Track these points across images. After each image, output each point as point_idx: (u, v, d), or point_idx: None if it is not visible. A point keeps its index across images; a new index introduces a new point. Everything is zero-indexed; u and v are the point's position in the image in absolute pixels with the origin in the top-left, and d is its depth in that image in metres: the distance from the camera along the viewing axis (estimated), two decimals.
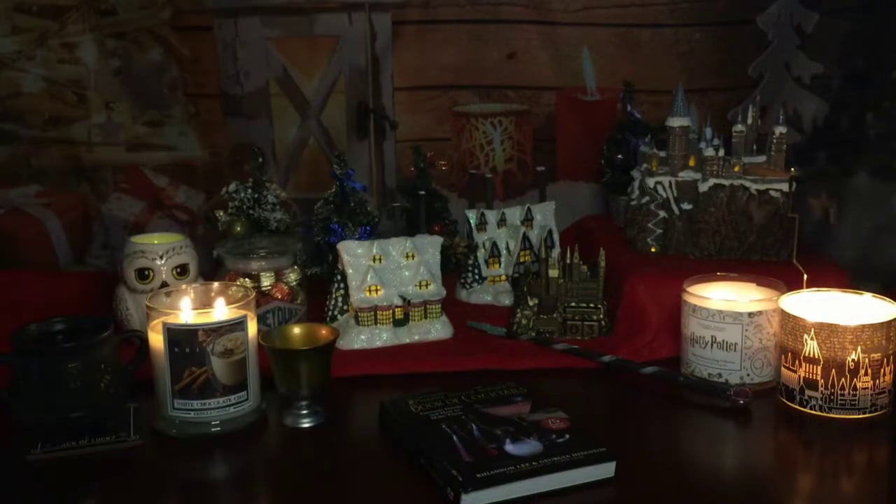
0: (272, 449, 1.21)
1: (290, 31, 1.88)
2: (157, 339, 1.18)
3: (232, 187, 1.64)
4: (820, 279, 1.38)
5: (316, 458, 1.17)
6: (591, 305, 1.50)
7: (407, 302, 1.48)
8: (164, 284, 1.40)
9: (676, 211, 1.60)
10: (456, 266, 1.67)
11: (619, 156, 1.82)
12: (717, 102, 1.97)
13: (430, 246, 1.52)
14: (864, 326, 1.20)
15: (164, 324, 1.17)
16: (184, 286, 1.31)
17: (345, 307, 1.50)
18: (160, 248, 1.42)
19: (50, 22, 1.80)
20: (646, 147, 1.66)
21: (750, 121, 1.63)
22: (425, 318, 1.49)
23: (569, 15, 1.92)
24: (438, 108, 1.95)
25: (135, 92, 1.85)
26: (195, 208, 1.91)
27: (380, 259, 1.48)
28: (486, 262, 1.70)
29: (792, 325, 1.24)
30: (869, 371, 1.20)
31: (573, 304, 1.50)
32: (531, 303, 1.51)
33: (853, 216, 1.89)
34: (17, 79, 1.81)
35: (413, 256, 1.50)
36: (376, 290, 1.46)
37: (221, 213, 1.64)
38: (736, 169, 1.57)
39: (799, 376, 1.23)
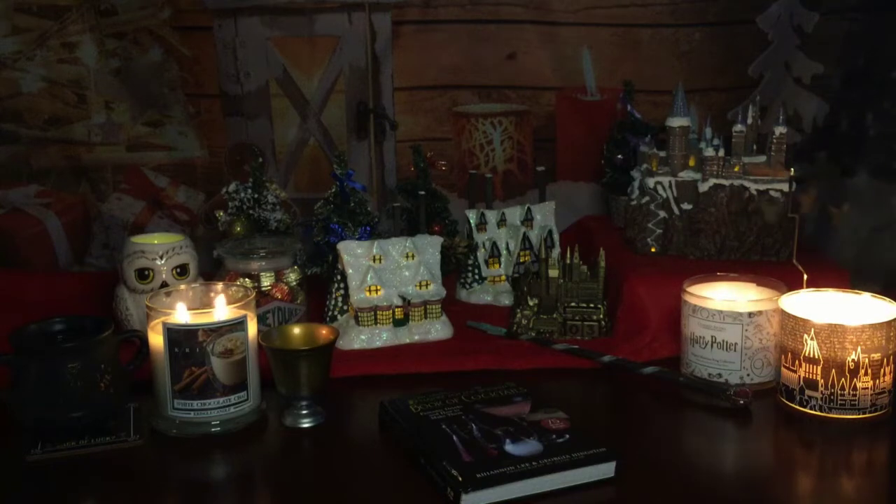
0: (272, 449, 1.21)
1: (290, 31, 1.88)
2: (157, 339, 1.18)
3: (232, 187, 1.64)
4: (820, 279, 1.38)
5: (316, 458, 1.17)
6: (591, 305, 1.50)
7: (407, 302, 1.48)
8: (164, 284, 1.40)
9: (676, 211, 1.60)
10: (456, 266, 1.67)
11: (619, 156, 1.82)
12: (717, 102, 1.97)
13: (430, 246, 1.52)
14: (864, 326, 1.20)
15: (164, 324, 1.17)
16: (184, 286, 1.31)
17: (345, 307, 1.50)
18: (160, 248, 1.42)
19: (50, 22, 1.80)
20: (646, 147, 1.66)
21: (750, 121, 1.63)
22: (425, 318, 1.49)
23: (569, 15, 1.91)
24: (438, 108, 1.95)
25: (135, 92, 1.85)
26: (195, 208, 1.91)
27: (380, 259, 1.48)
28: (486, 262, 1.70)
29: (792, 325, 1.24)
30: (869, 371, 1.20)
31: (573, 304, 1.50)
32: (531, 303, 1.51)
33: (853, 216, 1.88)
34: (17, 79, 1.81)
35: (413, 256, 1.49)
36: (376, 290, 1.46)
37: (221, 213, 1.64)
38: (736, 169, 1.57)
39: (799, 376, 1.23)
